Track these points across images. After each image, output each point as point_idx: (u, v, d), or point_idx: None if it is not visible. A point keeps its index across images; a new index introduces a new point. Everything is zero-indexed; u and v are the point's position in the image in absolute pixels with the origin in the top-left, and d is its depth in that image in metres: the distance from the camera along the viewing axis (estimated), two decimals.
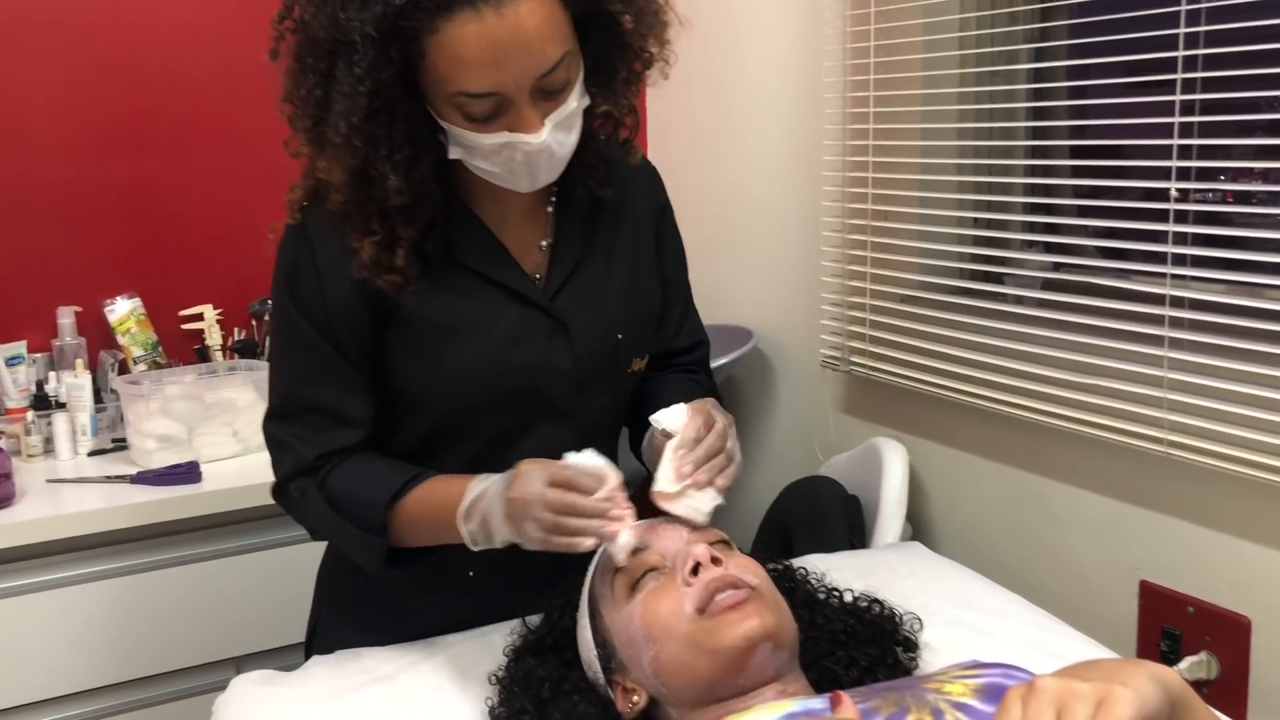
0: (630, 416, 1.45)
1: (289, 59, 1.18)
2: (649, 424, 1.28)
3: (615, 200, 1.37)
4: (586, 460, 1.15)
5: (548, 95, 1.16)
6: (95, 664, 1.95)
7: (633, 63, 1.25)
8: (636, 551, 1.14)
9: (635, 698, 1.10)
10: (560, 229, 1.34)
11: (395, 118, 1.14)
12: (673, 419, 1.22)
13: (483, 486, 1.18)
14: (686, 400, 1.26)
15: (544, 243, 1.33)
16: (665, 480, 1.18)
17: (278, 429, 1.31)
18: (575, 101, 1.19)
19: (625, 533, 1.12)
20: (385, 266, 1.22)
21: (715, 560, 1.09)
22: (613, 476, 1.14)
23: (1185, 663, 1.61)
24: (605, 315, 1.34)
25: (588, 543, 1.12)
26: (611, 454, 1.47)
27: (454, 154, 1.21)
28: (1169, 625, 1.65)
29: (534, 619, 1.27)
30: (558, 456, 1.30)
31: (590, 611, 1.17)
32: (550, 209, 1.34)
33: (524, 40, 1.10)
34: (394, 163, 1.15)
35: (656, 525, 1.17)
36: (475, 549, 1.19)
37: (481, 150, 1.18)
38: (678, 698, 1.07)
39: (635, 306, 1.38)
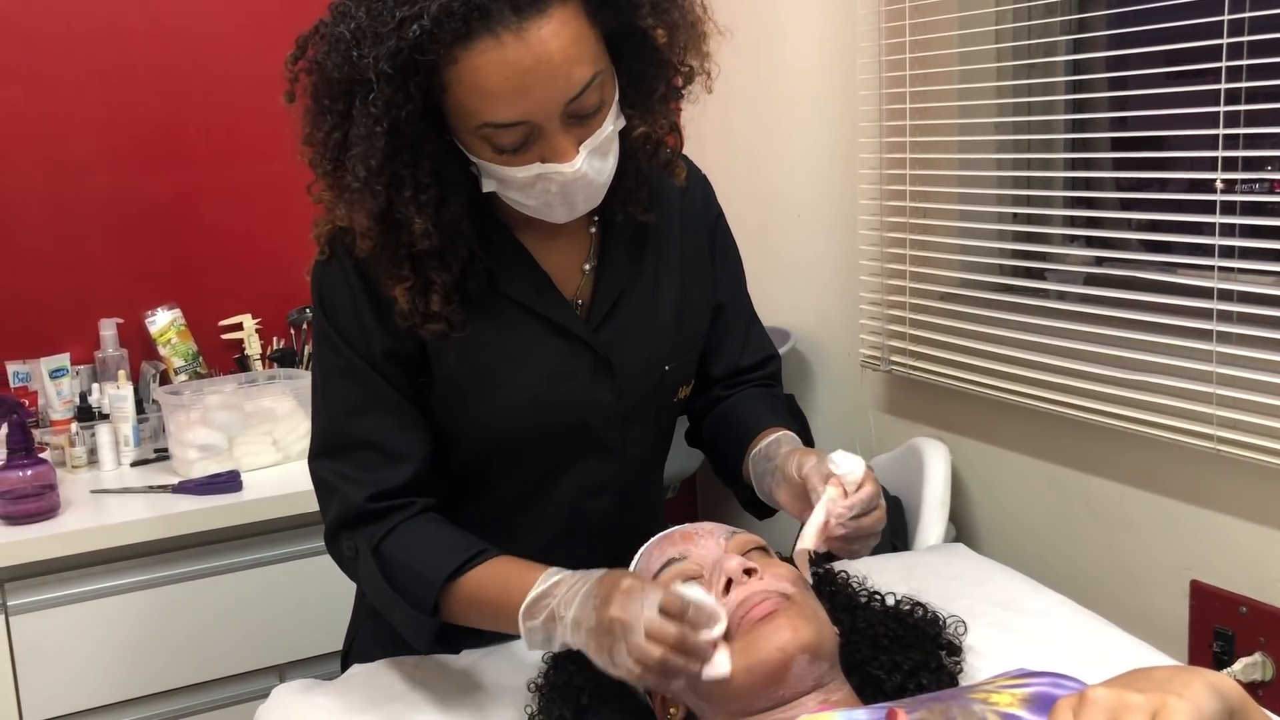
0: (708, 435, 1.40)
1: (306, 100, 1.12)
2: (738, 442, 1.26)
3: (660, 224, 1.30)
4: (699, 595, 1.00)
5: (580, 120, 1.09)
6: (139, 673, 1.96)
7: (671, 78, 1.18)
8: (672, 561, 1.11)
9: (673, 710, 1.09)
10: (604, 253, 1.27)
11: (419, 156, 1.08)
12: (850, 464, 1.09)
13: (555, 580, 1.09)
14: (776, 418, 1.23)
15: (587, 266, 1.27)
16: (810, 535, 1.08)
17: (323, 468, 1.24)
18: (611, 125, 1.12)
19: (724, 657, 1.01)
20: (424, 314, 1.16)
21: (749, 571, 1.06)
22: (722, 619, 1.00)
23: (1239, 664, 1.57)
24: (651, 346, 1.28)
25: (680, 682, 1.01)
26: (657, 484, 1.44)
27: (488, 187, 1.14)
28: (1221, 626, 1.62)
29: None
30: (600, 492, 1.29)
31: None
32: (593, 229, 1.28)
33: (549, 64, 1.03)
34: (419, 204, 1.09)
35: (691, 533, 1.15)
36: (530, 649, 1.12)
37: (515, 183, 1.11)
38: (716, 711, 1.05)
39: (681, 333, 1.31)
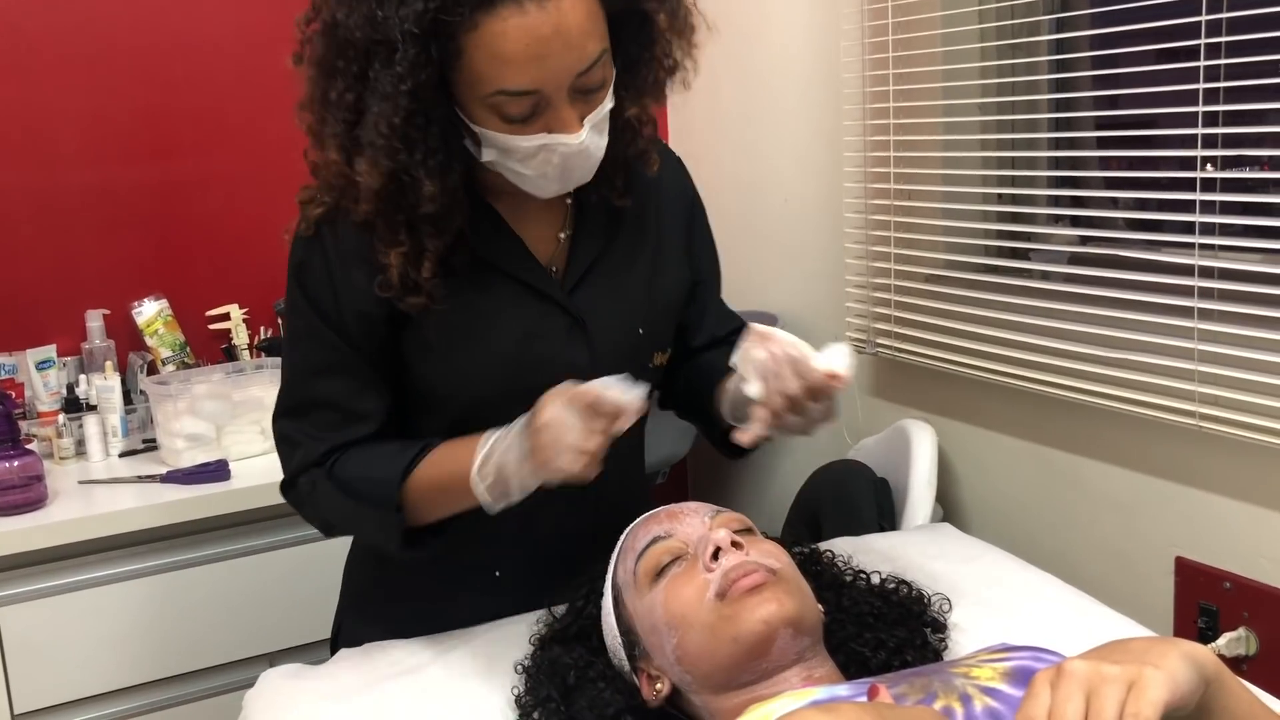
0: (686, 393, 1.44)
1: (312, 64, 1.14)
2: (709, 380, 1.31)
3: (635, 208, 1.34)
4: (612, 386, 1.08)
5: (585, 95, 1.13)
6: (129, 663, 1.97)
7: (658, 70, 1.22)
8: (657, 540, 1.13)
9: (659, 685, 1.10)
10: (580, 223, 1.31)
11: (430, 121, 1.11)
12: (838, 359, 1.13)
13: (493, 439, 1.15)
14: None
15: (562, 234, 1.31)
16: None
17: (287, 426, 1.29)
18: (609, 103, 1.16)
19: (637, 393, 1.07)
20: (409, 286, 1.19)
21: (736, 545, 1.08)
22: (632, 406, 1.08)
23: (1223, 639, 1.58)
24: (625, 310, 1.32)
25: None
26: (636, 452, 1.46)
27: (487, 156, 1.17)
28: (1206, 601, 1.63)
29: (560, 608, 1.26)
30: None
31: (614, 599, 1.16)
32: (569, 201, 1.31)
33: (566, 35, 1.07)
34: (428, 168, 1.12)
35: (677, 511, 1.16)
36: (494, 511, 1.16)
37: (518, 153, 1.14)
38: (701, 684, 1.06)
39: (656, 300, 1.35)
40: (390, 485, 1.21)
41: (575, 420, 1.08)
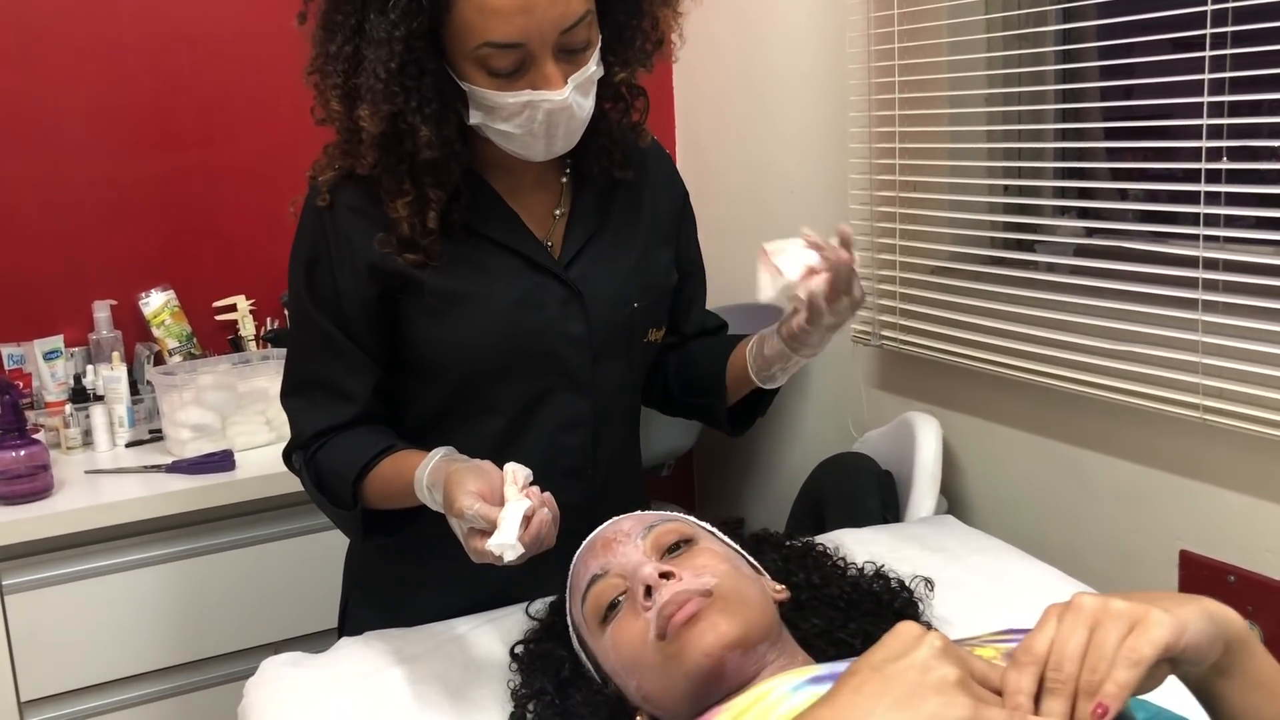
0: (682, 375, 1.48)
1: (315, 24, 1.21)
2: (716, 359, 1.38)
3: (629, 189, 1.39)
4: (510, 504, 1.06)
5: (569, 55, 1.18)
6: (134, 651, 1.98)
7: (645, 39, 1.27)
8: (595, 579, 1.10)
9: (639, 716, 1.08)
10: (575, 200, 1.36)
11: (423, 71, 1.16)
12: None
13: (430, 466, 1.16)
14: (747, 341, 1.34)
15: (557, 211, 1.35)
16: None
17: (287, 403, 1.38)
18: (594, 66, 1.21)
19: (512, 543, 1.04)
20: (410, 241, 1.25)
21: (665, 575, 1.04)
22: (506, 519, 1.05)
23: None
24: (620, 285, 1.35)
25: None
26: (631, 429, 1.48)
27: (474, 119, 1.22)
28: (1210, 596, 1.62)
29: (539, 605, 1.28)
30: (575, 427, 1.35)
31: (578, 638, 1.15)
32: (565, 179, 1.36)
33: None
34: (424, 115, 1.18)
35: (611, 538, 1.13)
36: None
37: (503, 110, 1.19)
38: (673, 715, 1.05)
39: (650, 278, 1.39)
40: (346, 483, 1.28)
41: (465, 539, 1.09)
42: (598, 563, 1.12)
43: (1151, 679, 0.70)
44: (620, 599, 1.07)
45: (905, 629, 0.73)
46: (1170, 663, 0.72)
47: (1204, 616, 0.73)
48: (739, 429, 1.48)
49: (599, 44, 1.22)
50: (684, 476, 2.81)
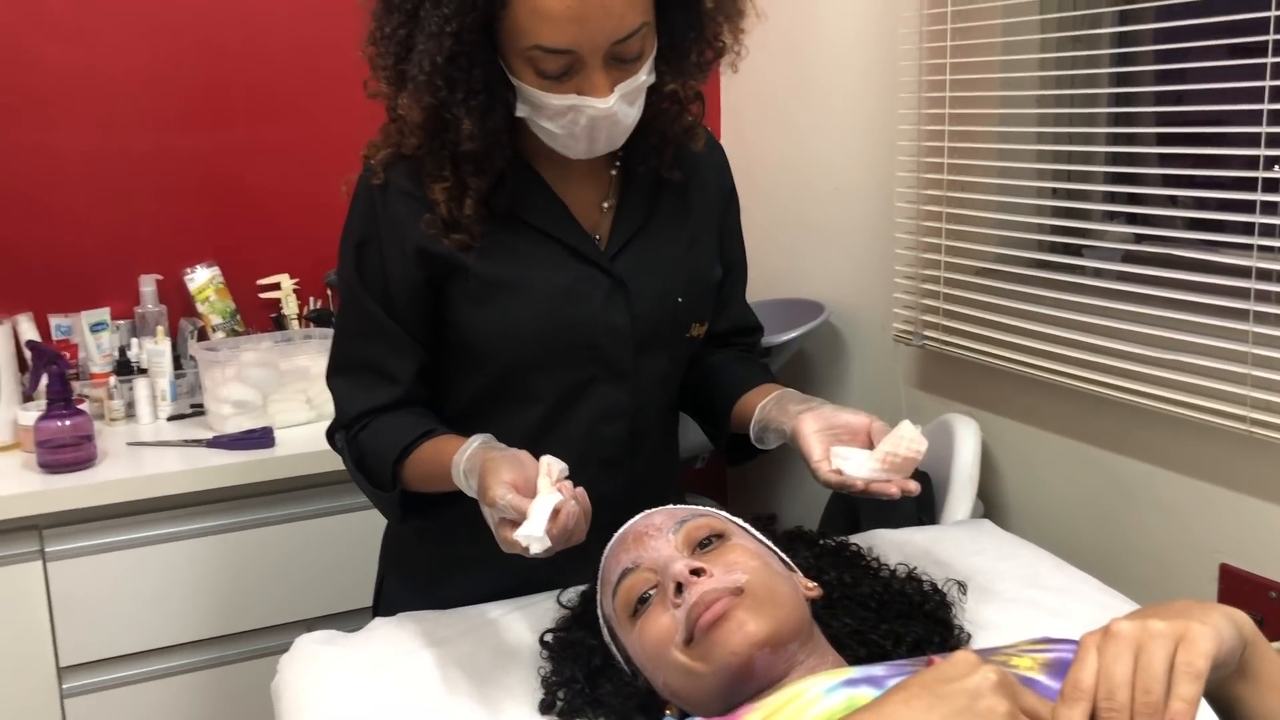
0: (698, 390, 1.47)
1: (375, 1, 1.22)
2: (726, 393, 1.37)
3: (678, 185, 1.38)
4: (541, 496, 1.06)
5: (620, 63, 1.18)
6: (170, 622, 2.01)
7: (705, 49, 1.27)
8: (626, 572, 1.10)
9: (669, 710, 1.09)
10: (624, 194, 1.36)
11: (474, 64, 1.17)
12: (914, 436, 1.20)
13: (468, 453, 1.17)
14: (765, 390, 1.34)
15: (605, 204, 1.35)
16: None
17: (332, 383, 1.39)
18: (645, 75, 1.21)
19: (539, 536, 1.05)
20: (453, 223, 1.26)
21: (697, 572, 1.04)
22: (534, 516, 1.05)
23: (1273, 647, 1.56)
24: (665, 279, 1.36)
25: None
26: (670, 421, 1.49)
27: (521, 111, 1.22)
28: (1250, 610, 1.58)
29: (570, 594, 1.28)
30: (614, 418, 1.36)
31: (609, 630, 1.16)
32: (614, 172, 1.36)
33: (608, 3, 1.12)
34: (469, 107, 1.19)
35: (643, 531, 1.14)
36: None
37: (548, 110, 1.20)
38: (701, 710, 1.05)
39: (694, 273, 1.39)
40: (386, 465, 1.30)
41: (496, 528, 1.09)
42: (629, 556, 1.12)
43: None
44: (651, 593, 1.07)
45: (963, 657, 0.75)
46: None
47: (1229, 622, 0.75)
48: (735, 461, 1.48)
49: (653, 53, 1.21)
50: (717, 470, 2.81)
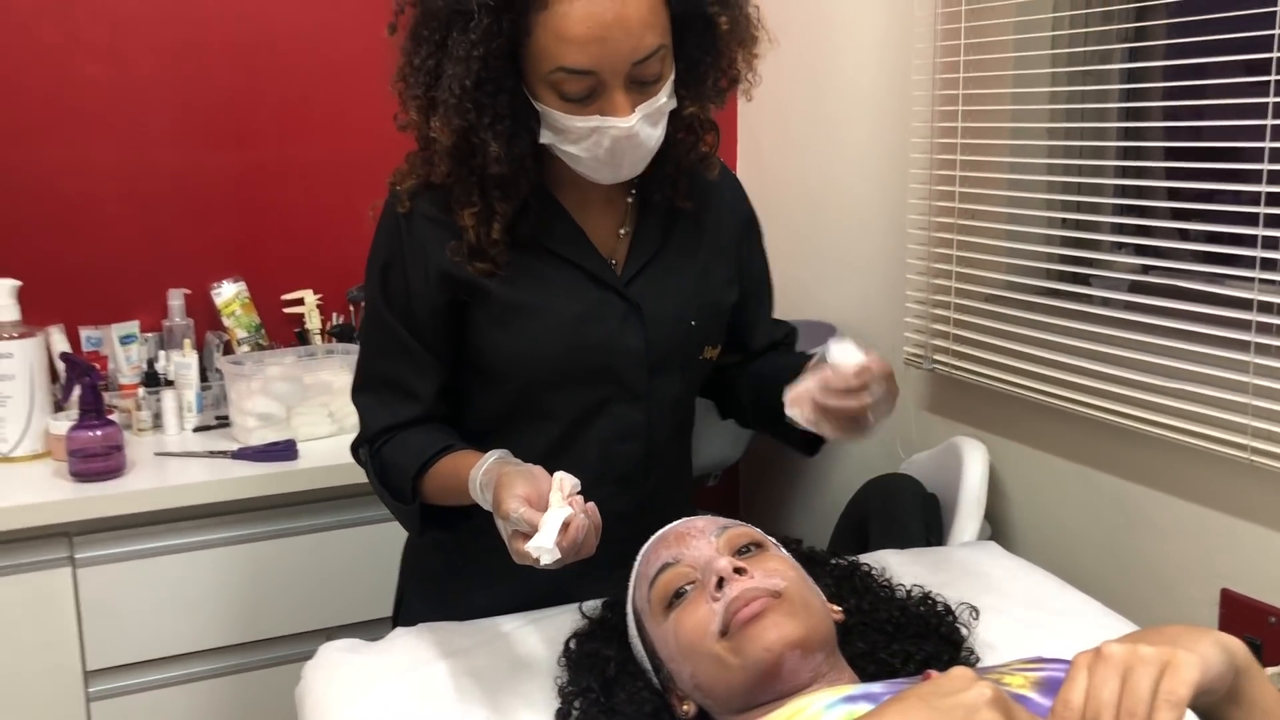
0: (750, 401, 1.50)
1: (405, 36, 1.27)
2: (778, 381, 1.35)
3: (693, 213, 1.43)
4: (552, 510, 1.10)
5: (640, 86, 1.23)
6: (195, 628, 2.04)
7: (720, 77, 1.31)
8: (666, 566, 1.15)
9: (686, 706, 1.13)
10: (640, 221, 1.40)
11: (500, 89, 1.22)
12: (847, 354, 1.22)
13: (484, 468, 1.21)
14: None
15: (622, 230, 1.40)
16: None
17: (357, 399, 1.44)
18: (665, 97, 1.25)
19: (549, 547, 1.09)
20: (478, 250, 1.30)
21: (739, 571, 1.09)
22: (546, 524, 1.09)
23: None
24: (679, 303, 1.40)
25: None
26: (684, 441, 1.52)
27: (545, 138, 1.27)
28: (1251, 635, 1.62)
29: (593, 604, 1.32)
30: (629, 437, 1.39)
31: (636, 624, 1.20)
32: (630, 200, 1.40)
33: (626, 23, 1.17)
34: (495, 132, 1.23)
35: (684, 532, 1.19)
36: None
37: (572, 133, 1.24)
38: (722, 708, 1.09)
39: (707, 298, 1.43)
40: (407, 478, 1.34)
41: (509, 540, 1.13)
42: (670, 552, 1.17)
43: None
44: (687, 588, 1.12)
45: (960, 672, 0.78)
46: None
47: (1219, 650, 0.78)
48: (812, 450, 1.49)
49: (672, 77, 1.26)
50: (730, 488, 2.85)
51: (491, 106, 1.22)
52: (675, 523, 1.23)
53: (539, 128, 1.27)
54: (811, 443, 1.47)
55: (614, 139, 1.23)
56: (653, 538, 1.23)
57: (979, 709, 0.74)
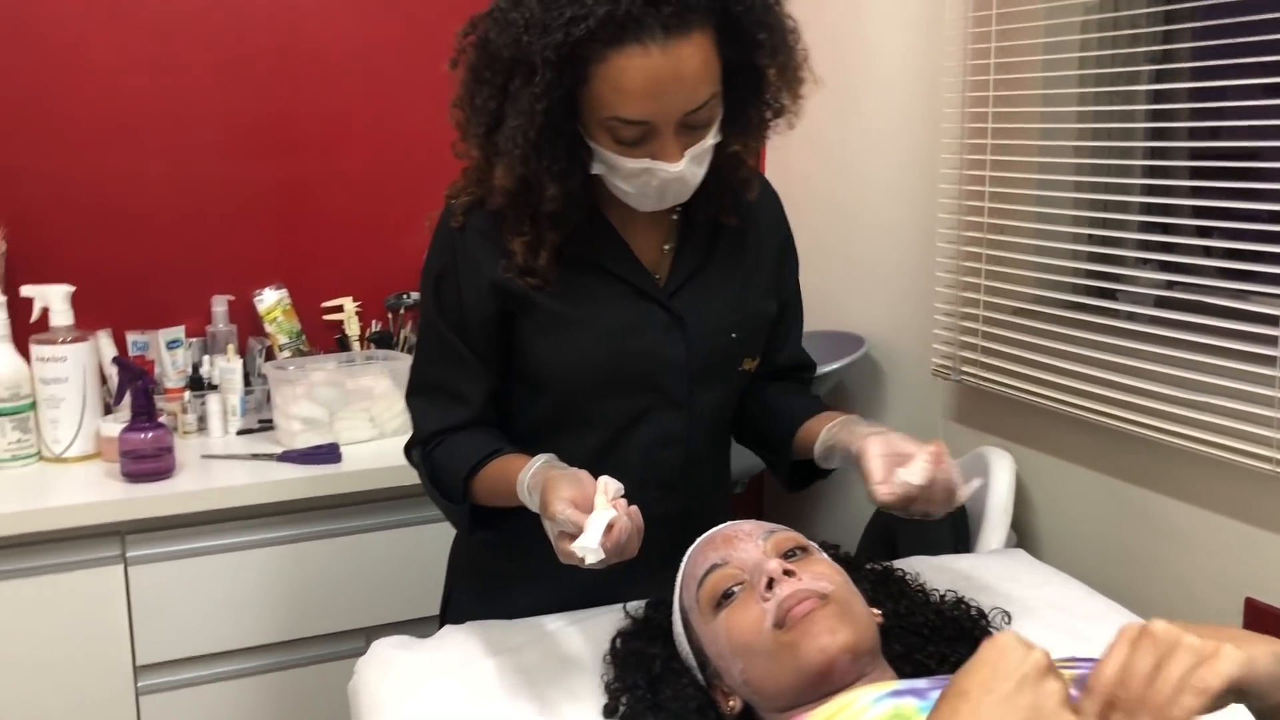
0: (759, 419, 1.56)
1: (465, 70, 1.31)
2: (792, 418, 1.45)
3: (735, 229, 1.48)
4: (597, 512, 1.14)
5: (690, 130, 1.27)
6: (241, 626, 2.10)
7: (765, 111, 1.36)
8: (715, 567, 1.20)
9: (732, 702, 1.18)
10: (684, 238, 1.45)
11: (559, 134, 1.26)
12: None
13: (532, 471, 1.26)
14: (829, 416, 1.41)
15: (666, 246, 1.45)
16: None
17: (411, 402, 1.50)
18: (712, 139, 1.30)
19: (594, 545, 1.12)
20: (528, 269, 1.36)
21: (788, 573, 1.14)
22: (591, 526, 1.13)
23: None
24: (720, 316, 1.45)
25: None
26: (723, 449, 1.58)
27: (597, 169, 1.32)
28: None
29: (637, 604, 1.36)
30: (670, 444, 1.44)
31: (683, 622, 1.24)
32: (675, 218, 1.45)
33: (682, 78, 1.21)
34: (553, 174, 1.28)
35: (732, 535, 1.23)
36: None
37: (622, 172, 1.29)
38: (768, 704, 1.13)
39: (748, 311, 1.48)
40: (458, 479, 1.39)
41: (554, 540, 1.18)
42: (718, 554, 1.21)
43: (1218, 702, 0.76)
44: (735, 589, 1.17)
45: (1007, 641, 0.81)
46: (1239, 694, 0.78)
47: (1273, 657, 0.79)
48: (795, 487, 1.57)
49: (719, 117, 1.30)
50: (755, 495, 2.89)
51: (551, 151, 1.26)
52: (721, 525, 1.28)
53: (590, 160, 1.31)
54: (795, 480, 1.54)
55: (662, 180, 1.29)
56: (699, 540, 1.28)
57: (1042, 679, 0.77)
